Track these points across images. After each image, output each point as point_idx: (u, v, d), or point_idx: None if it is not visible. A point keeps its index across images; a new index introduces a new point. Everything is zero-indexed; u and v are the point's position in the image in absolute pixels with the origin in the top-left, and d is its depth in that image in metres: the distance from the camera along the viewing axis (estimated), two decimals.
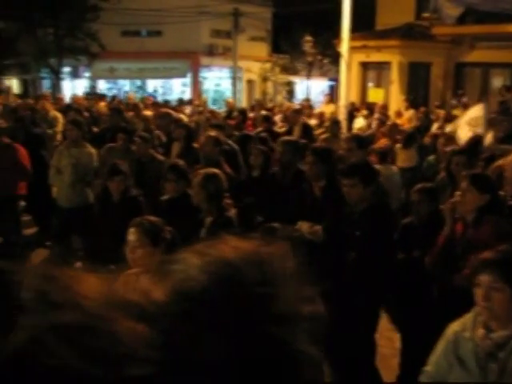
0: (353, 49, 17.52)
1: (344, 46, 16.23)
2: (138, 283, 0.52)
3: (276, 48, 32.37)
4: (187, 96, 24.85)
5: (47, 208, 8.34)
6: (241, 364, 0.47)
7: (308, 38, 25.22)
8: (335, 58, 22.65)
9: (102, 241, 5.94)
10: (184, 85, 30.22)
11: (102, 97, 18.50)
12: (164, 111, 10.00)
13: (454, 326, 2.81)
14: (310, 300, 0.56)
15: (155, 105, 13.80)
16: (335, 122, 10.10)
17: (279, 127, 11.16)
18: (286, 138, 7.06)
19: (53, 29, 26.84)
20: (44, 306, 0.47)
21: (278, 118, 13.27)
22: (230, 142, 7.71)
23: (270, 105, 17.29)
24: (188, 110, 14.92)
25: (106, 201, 6.04)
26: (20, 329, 0.46)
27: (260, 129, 9.56)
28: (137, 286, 0.52)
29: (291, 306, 0.53)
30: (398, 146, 9.31)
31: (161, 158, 7.13)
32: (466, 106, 13.91)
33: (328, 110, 15.97)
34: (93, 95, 20.15)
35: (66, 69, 29.28)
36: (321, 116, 13.76)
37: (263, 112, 11.99)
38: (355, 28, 17.87)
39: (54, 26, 26.71)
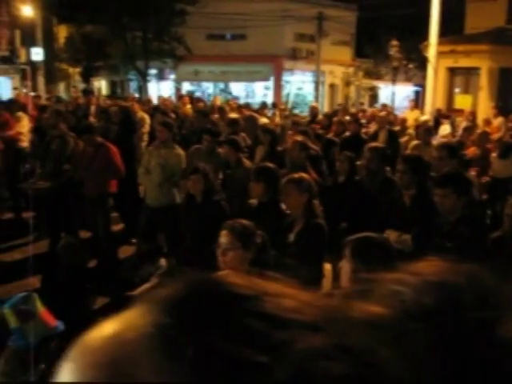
0: (440, 54, 17.09)
1: (431, 50, 15.87)
2: (354, 304, 0.50)
3: (359, 52, 32.02)
4: (269, 99, 24.97)
5: (134, 206, 8.59)
6: None
7: (394, 42, 24.77)
8: (421, 62, 22.15)
9: (185, 241, 6.07)
10: (266, 88, 30.41)
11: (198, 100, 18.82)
12: (249, 114, 10.08)
13: None
14: None
15: (240, 108, 13.95)
16: (427, 130, 9.81)
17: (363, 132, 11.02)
18: (374, 144, 6.95)
19: (141, 32, 27.69)
20: (300, 328, 0.45)
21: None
22: (314, 147, 7.68)
23: (352, 110, 17.09)
24: (271, 113, 14.99)
25: (190, 202, 6.14)
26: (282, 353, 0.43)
27: (348, 133, 9.44)
28: (355, 306, 0.49)
29: None
30: (494, 155, 8.93)
31: (248, 163, 7.16)
32: None
33: (412, 116, 15.61)
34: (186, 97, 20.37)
35: (153, 71, 30.11)
36: (403, 122, 13.43)
37: (347, 117, 11.87)
38: (443, 32, 17.43)
39: (142, 30, 27.54)
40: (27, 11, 27.61)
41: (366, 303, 0.49)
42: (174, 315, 0.45)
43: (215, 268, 5.14)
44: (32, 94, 20.93)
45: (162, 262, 6.86)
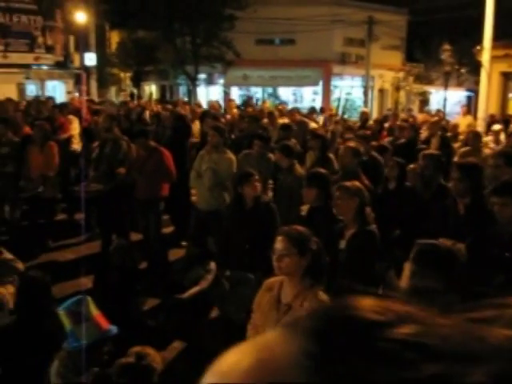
0: (494, 58, 16.71)
1: (485, 55, 15.53)
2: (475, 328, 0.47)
3: (410, 57, 31.60)
4: (317, 104, 24.88)
5: (185, 209, 8.67)
6: None
7: (446, 46, 24.34)
8: (473, 67, 21.71)
9: (233, 245, 6.08)
10: (315, 93, 30.31)
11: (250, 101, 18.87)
12: (300, 119, 10.06)
13: None
14: None
15: (292, 112, 13.94)
16: (476, 136, 9.60)
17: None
18: (429, 151, 6.85)
19: (190, 38, 27.98)
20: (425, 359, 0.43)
21: None
22: (374, 153, 7.57)
23: (402, 115, 16.86)
24: (320, 118, 14.92)
25: (238, 206, 6.15)
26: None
27: (403, 140, 9.31)
28: (495, 332, 0.46)
29: None
30: None
31: (300, 169, 7.13)
32: None
33: (464, 122, 15.27)
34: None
35: (202, 76, 30.39)
36: (454, 128, 13.12)
37: (398, 122, 11.71)
38: (497, 36, 17.03)
39: (191, 35, 27.84)
40: (81, 18, 28.30)
41: (504, 329, 0.46)
42: (322, 344, 0.44)
43: (267, 271, 5.15)
44: (86, 98, 21.42)
45: (212, 265, 6.90)
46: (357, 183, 4.82)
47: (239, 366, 0.46)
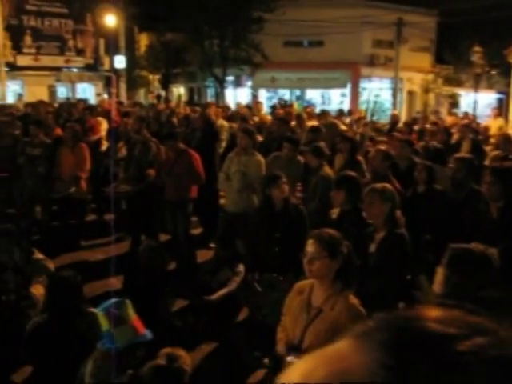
0: None
1: None
2: None
3: (439, 58, 31.25)
4: (345, 107, 24.75)
5: (214, 211, 8.69)
6: None
7: (477, 48, 24.03)
8: (504, 69, 21.38)
9: (262, 248, 6.07)
10: (343, 95, 30.18)
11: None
12: (331, 122, 10.01)
13: None
14: None
15: (325, 114, 13.91)
16: (507, 139, 9.45)
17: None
18: (461, 154, 6.76)
19: (219, 40, 28.10)
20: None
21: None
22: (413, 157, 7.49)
23: (432, 117, 16.68)
24: (348, 120, 14.84)
25: (267, 209, 6.13)
26: None
27: (434, 143, 9.20)
28: None
29: None
30: None
31: (328, 170, 7.10)
32: None
33: (495, 124, 15.06)
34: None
35: (230, 78, 30.48)
36: (485, 131, 12.93)
37: (427, 126, 11.59)
38: None
39: (220, 38, 27.95)
40: (111, 21, 28.64)
41: None
42: (398, 357, 0.44)
43: (295, 273, 5.13)
44: (115, 100, 21.65)
45: (240, 267, 6.90)
46: (389, 186, 4.77)
47: (313, 377, 0.46)
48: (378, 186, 4.64)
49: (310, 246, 3.38)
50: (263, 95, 31.12)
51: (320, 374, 0.46)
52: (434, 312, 0.48)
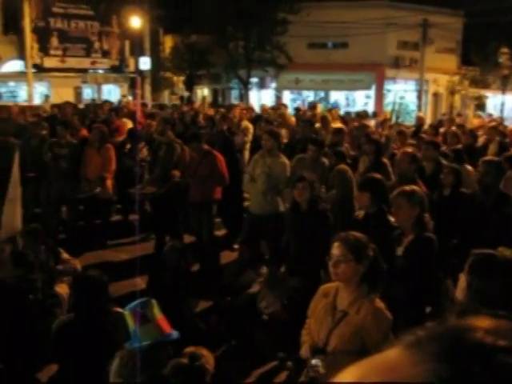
0: None
1: None
2: None
3: (465, 60, 30.89)
4: (370, 108, 24.61)
5: (238, 213, 8.70)
6: None
7: (504, 49, 23.72)
8: None
9: (289, 249, 6.06)
10: (367, 97, 30.00)
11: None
12: (362, 123, 9.96)
13: None
14: None
15: (360, 116, 13.88)
16: None
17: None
18: (489, 157, 6.67)
19: (243, 42, 28.15)
20: None
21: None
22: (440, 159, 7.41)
23: (457, 120, 16.49)
24: (372, 122, 14.74)
25: (294, 211, 6.13)
26: None
27: (459, 146, 9.10)
28: None
29: None
30: None
31: (345, 167, 7.04)
32: None
33: None
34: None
35: (254, 79, 30.52)
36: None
37: (453, 128, 11.45)
38: None
39: (244, 39, 28.00)
40: (136, 23, 28.86)
41: None
42: (454, 369, 0.43)
43: (319, 277, 5.11)
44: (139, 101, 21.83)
45: (264, 269, 6.90)
46: (418, 189, 4.71)
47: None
48: (407, 189, 4.57)
49: (336, 249, 3.35)
50: (287, 97, 31.09)
51: (372, 382, 0.45)
52: (484, 322, 0.47)
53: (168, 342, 3.49)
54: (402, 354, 0.47)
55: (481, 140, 10.52)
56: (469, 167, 7.32)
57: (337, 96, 30.95)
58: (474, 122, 17.81)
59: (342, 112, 19.74)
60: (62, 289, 5.51)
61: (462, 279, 3.10)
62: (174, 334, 3.53)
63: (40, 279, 5.21)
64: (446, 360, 0.44)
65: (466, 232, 5.47)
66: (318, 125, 11.24)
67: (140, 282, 6.40)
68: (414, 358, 0.45)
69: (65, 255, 5.96)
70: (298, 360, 3.94)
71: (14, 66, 27.94)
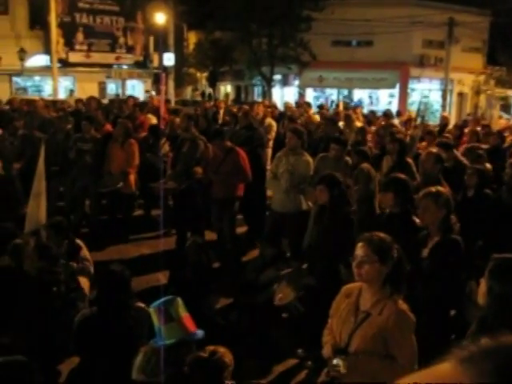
0: None
1: None
2: None
3: (492, 59, 30.51)
4: (394, 107, 24.41)
5: (260, 210, 8.68)
6: None
7: None
8: None
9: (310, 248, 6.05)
10: (391, 96, 29.77)
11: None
12: (389, 122, 9.88)
13: None
14: None
15: (387, 116, 13.78)
16: None
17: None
18: None
19: (267, 39, 28.10)
20: None
21: None
22: (461, 158, 7.33)
23: (483, 121, 16.29)
24: (396, 122, 14.62)
25: (320, 211, 6.07)
26: None
27: (486, 146, 8.98)
28: None
29: None
30: None
31: (367, 165, 6.98)
32: None
33: None
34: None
35: (277, 77, 30.47)
36: None
37: (478, 128, 11.31)
38: None
39: (268, 36, 27.95)
40: (160, 19, 28.99)
41: None
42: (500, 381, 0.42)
43: (335, 278, 5.08)
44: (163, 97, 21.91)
45: (285, 267, 6.88)
46: (444, 190, 4.65)
47: None
48: (433, 190, 4.51)
49: (360, 250, 3.32)
50: (310, 94, 31.00)
51: None
52: None
53: (192, 341, 3.49)
54: (455, 369, 0.46)
55: (507, 141, 10.38)
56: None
57: (360, 94, 30.77)
58: (500, 122, 17.56)
59: (365, 111, 19.64)
60: (83, 282, 5.54)
61: (483, 284, 3.07)
62: (199, 333, 3.53)
63: (63, 272, 5.25)
64: (499, 377, 0.43)
65: (490, 234, 5.39)
66: (341, 123, 11.19)
67: (162, 278, 6.43)
68: (467, 374, 0.44)
69: (84, 252, 5.94)
70: (318, 359, 3.92)
71: (40, 60, 28.26)
